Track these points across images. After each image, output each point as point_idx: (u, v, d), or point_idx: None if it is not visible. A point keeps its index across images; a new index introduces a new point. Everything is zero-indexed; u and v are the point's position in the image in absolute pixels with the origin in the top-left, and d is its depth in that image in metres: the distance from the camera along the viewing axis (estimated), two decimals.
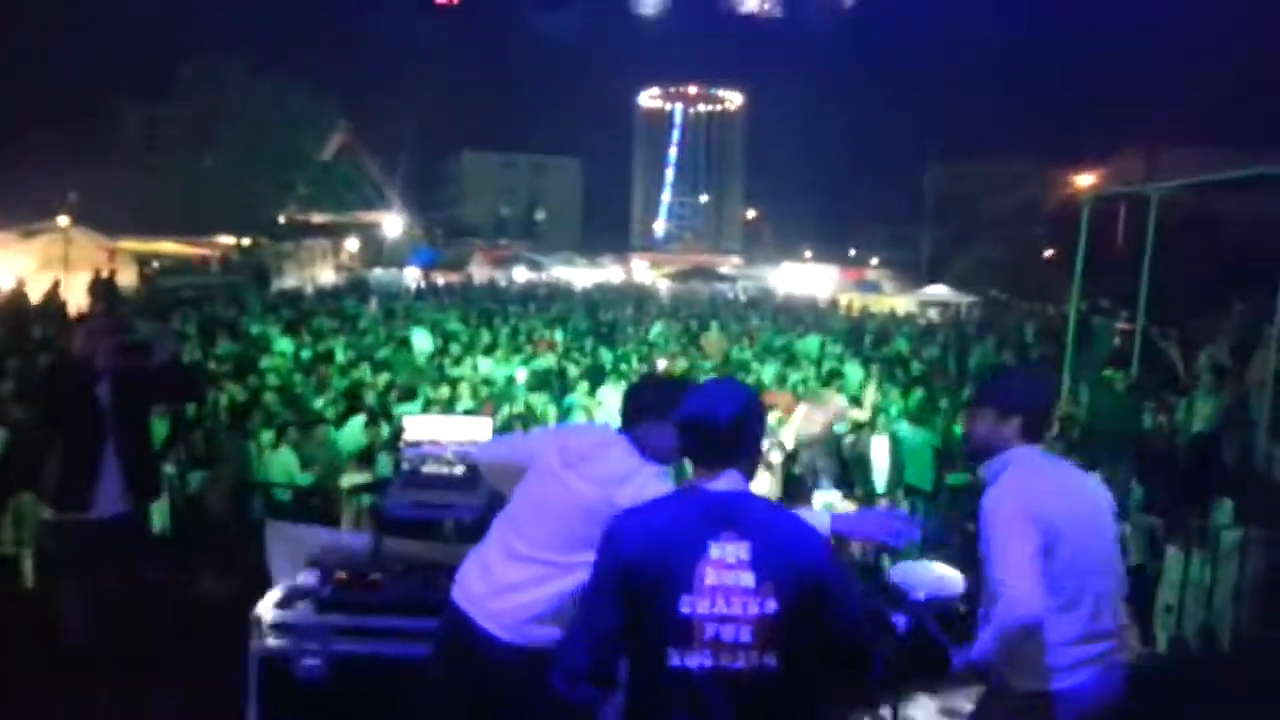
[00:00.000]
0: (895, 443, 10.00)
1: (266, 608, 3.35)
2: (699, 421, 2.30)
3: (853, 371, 15.19)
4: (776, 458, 9.16)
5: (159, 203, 30.33)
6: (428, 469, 3.67)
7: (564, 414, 10.95)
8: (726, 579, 2.16)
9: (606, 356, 15.10)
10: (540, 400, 11.24)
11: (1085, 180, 29.67)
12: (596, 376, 13.04)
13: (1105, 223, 15.62)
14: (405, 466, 3.70)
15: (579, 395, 11.75)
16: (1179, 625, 7.37)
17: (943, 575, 3.20)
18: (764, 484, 8.63)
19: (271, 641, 3.26)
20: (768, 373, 13.92)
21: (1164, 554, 8.00)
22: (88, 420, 4.24)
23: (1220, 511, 8.70)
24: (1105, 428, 10.33)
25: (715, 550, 2.17)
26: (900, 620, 3.06)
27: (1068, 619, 2.60)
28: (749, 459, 2.35)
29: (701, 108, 78.32)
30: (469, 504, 3.51)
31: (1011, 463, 2.74)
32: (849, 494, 9.13)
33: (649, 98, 77.61)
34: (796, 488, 9.00)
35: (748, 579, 2.16)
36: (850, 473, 9.81)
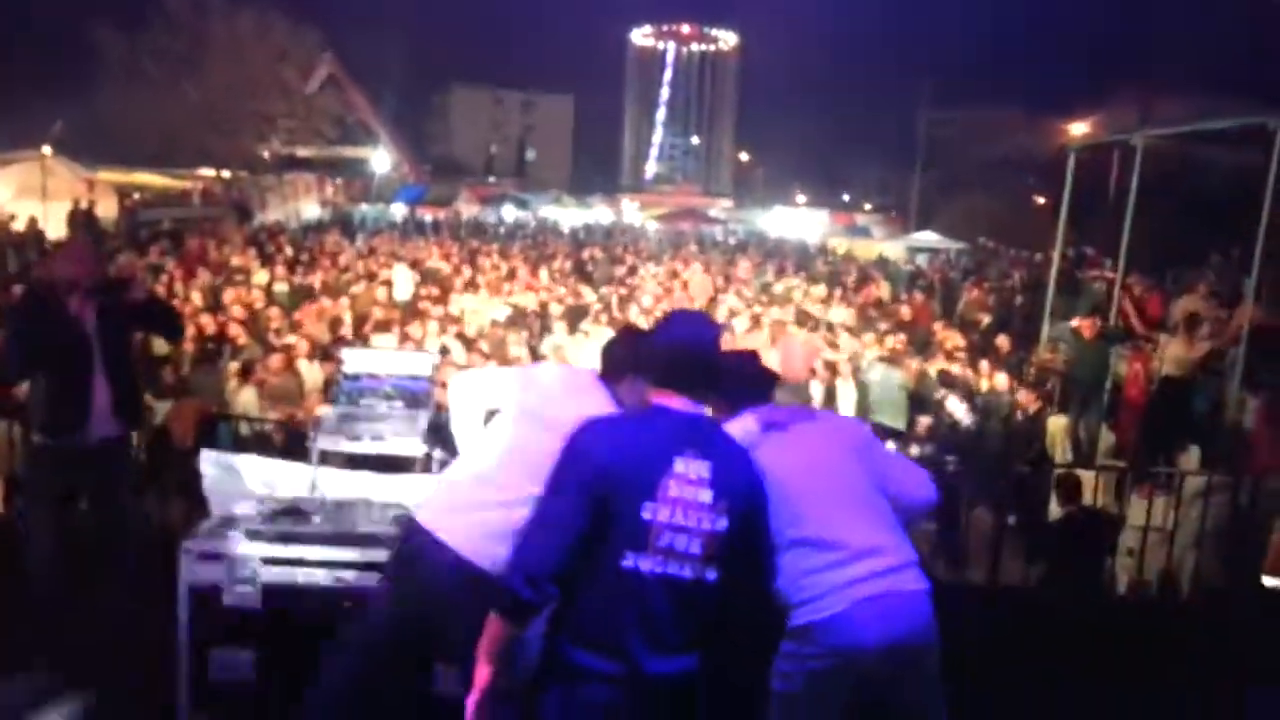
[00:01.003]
0: (864, 387, 10.03)
1: (196, 537, 3.32)
2: (688, 348, 2.43)
3: (835, 314, 15.18)
4: None
5: (140, 134, 29.82)
6: (365, 401, 3.61)
7: (539, 354, 10.90)
8: (687, 493, 2.30)
9: (589, 297, 15.01)
10: (514, 338, 11.17)
11: (1078, 129, 29.35)
12: (578, 317, 12.96)
13: (1097, 171, 15.51)
14: (342, 399, 3.64)
15: (559, 335, 11.69)
16: (1140, 570, 7.43)
17: None
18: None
19: (201, 570, 3.22)
20: (744, 317, 13.83)
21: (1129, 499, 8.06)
22: (75, 346, 4.21)
23: (1187, 458, 8.76)
24: (1076, 375, 10.35)
25: (680, 465, 2.31)
26: None
27: (811, 553, 2.58)
28: (714, 388, 2.49)
29: (695, 47, 77.09)
30: (404, 437, 3.46)
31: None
32: None
33: (642, 36, 76.29)
34: None
35: (706, 496, 2.31)
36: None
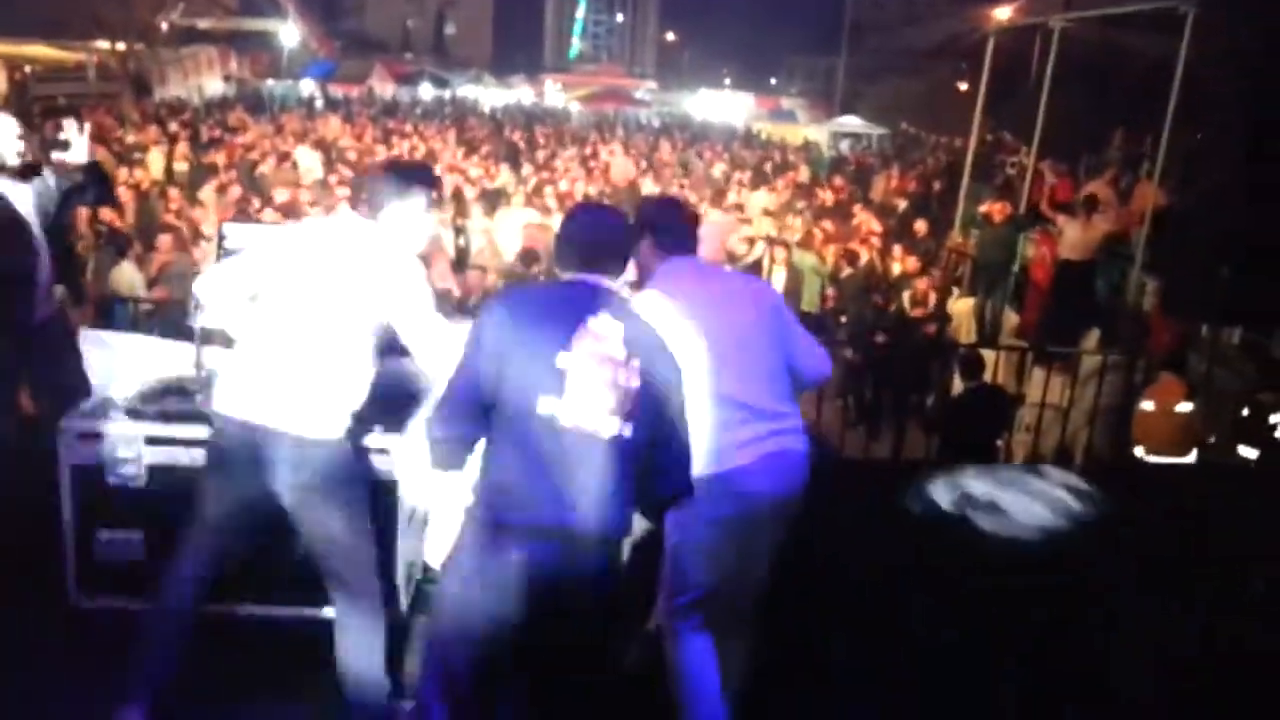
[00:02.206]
0: (795, 271, 10.14)
1: (75, 416, 3.21)
2: (593, 234, 2.52)
3: (757, 199, 15.16)
4: None
5: (29, 3, 27.84)
6: None
7: (460, 236, 10.72)
8: (600, 347, 2.33)
9: (508, 180, 14.70)
10: (440, 219, 10.96)
11: (1002, 12, 29.15)
12: (495, 200, 12.72)
13: (1018, 56, 15.48)
14: None
15: (475, 218, 11.48)
16: (1035, 444, 7.74)
17: None
18: None
19: (82, 449, 3.12)
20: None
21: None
22: (7, 227, 3.94)
23: (1086, 338, 9.06)
24: (983, 259, 10.53)
25: (593, 323, 2.35)
26: None
27: (718, 409, 2.70)
28: (620, 269, 2.56)
29: None
30: None
31: (653, 278, 2.87)
32: None
33: None
34: None
35: (618, 352, 2.34)
36: None
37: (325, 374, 2.70)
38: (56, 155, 4.09)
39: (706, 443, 2.62)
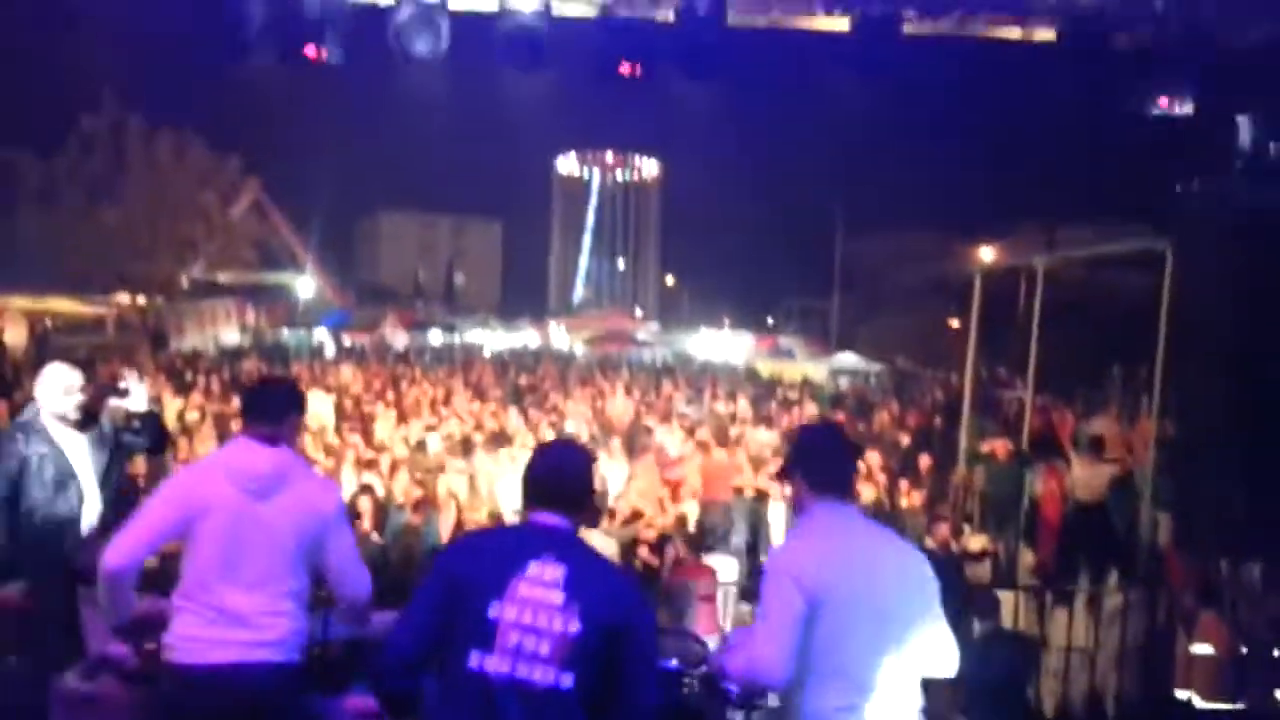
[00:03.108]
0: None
1: (69, 680, 3.10)
2: (554, 472, 2.52)
3: (761, 436, 15.25)
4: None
5: (54, 259, 29.38)
6: None
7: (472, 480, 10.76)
8: (537, 594, 2.28)
9: (515, 424, 14.86)
10: (454, 465, 11.06)
11: (987, 254, 30.54)
12: (500, 442, 12.83)
13: (1007, 293, 16.07)
14: None
15: (480, 460, 11.54)
16: (1063, 691, 7.41)
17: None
18: None
19: (74, 716, 3.00)
20: (674, 439, 13.84)
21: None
22: (60, 477, 4.01)
23: (1106, 576, 8.86)
24: (992, 496, 10.47)
25: (534, 568, 2.31)
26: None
27: (832, 687, 2.55)
28: (582, 506, 2.53)
29: (619, 176, 78.98)
30: None
31: (803, 521, 2.78)
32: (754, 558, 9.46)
33: (566, 164, 77.82)
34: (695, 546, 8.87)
35: (556, 597, 2.28)
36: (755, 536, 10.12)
37: (273, 602, 2.74)
38: (115, 402, 4.24)
39: (803, 705, 2.52)
